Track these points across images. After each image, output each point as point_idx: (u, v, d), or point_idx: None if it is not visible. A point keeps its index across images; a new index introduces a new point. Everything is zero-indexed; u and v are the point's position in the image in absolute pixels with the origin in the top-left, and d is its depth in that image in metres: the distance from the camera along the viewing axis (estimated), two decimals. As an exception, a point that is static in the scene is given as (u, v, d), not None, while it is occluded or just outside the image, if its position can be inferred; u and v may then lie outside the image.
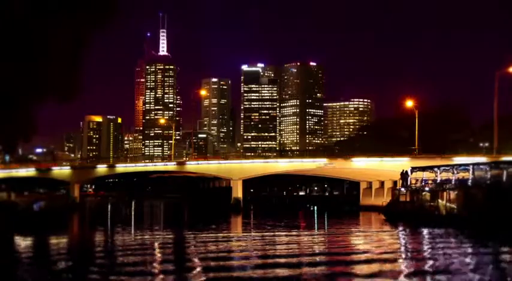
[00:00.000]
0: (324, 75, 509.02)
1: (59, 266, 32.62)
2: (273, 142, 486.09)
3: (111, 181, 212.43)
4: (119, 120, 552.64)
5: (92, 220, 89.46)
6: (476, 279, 28.37)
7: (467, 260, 35.26)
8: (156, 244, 45.76)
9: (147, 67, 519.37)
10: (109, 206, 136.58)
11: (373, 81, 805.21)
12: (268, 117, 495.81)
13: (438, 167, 75.82)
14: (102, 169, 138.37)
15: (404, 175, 79.32)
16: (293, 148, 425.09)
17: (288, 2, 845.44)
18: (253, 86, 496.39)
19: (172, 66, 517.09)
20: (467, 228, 57.42)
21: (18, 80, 46.04)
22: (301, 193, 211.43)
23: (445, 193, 70.09)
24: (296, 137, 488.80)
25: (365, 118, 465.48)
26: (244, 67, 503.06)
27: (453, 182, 70.60)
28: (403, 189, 78.84)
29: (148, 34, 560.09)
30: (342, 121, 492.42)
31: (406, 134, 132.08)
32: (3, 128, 53.65)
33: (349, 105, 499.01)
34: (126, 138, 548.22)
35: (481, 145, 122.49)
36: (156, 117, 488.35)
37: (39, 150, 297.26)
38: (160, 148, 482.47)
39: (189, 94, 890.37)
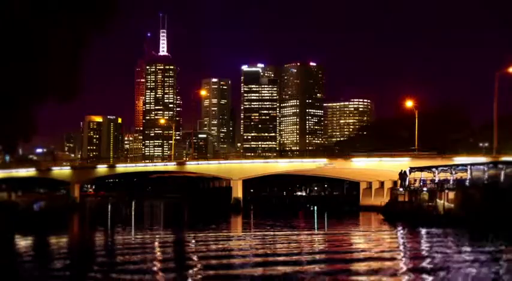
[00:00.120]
0: (324, 75, 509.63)
1: (59, 265, 32.66)
2: (273, 142, 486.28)
3: (111, 181, 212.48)
4: (119, 120, 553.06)
5: (92, 220, 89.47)
6: (471, 276, 28.59)
7: (464, 258, 35.42)
8: (156, 244, 45.86)
9: (147, 67, 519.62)
10: (109, 206, 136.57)
11: (373, 81, 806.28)
12: (268, 117, 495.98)
13: (436, 167, 76.15)
14: (102, 169, 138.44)
15: (402, 175, 79.58)
16: (293, 148, 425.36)
17: (288, 2, 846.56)
18: (253, 86, 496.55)
19: (172, 67, 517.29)
20: (465, 228, 57.63)
21: (18, 80, 46.08)
22: (301, 193, 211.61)
23: (443, 193, 70.38)
24: (296, 137, 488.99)
25: (365, 118, 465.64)
26: (244, 67, 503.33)
27: (451, 182, 70.90)
28: (401, 189, 79.14)
29: (149, 34, 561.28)
30: (341, 121, 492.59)
31: (406, 134, 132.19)
32: (3, 128, 53.68)
33: (349, 106, 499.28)
34: (126, 138, 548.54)
35: (481, 145, 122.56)
36: (156, 117, 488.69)
37: (39, 150, 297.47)
38: (161, 148, 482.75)
39: (189, 94, 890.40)
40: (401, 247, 43.72)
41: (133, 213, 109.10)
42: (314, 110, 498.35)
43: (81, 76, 50.99)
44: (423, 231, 57.18)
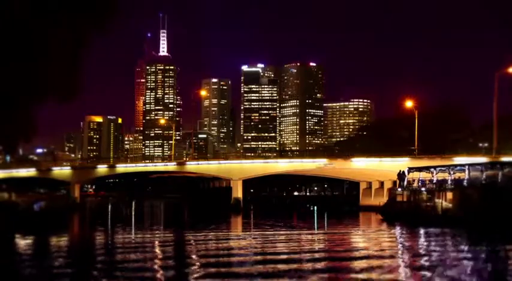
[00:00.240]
0: (323, 75, 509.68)
1: (59, 265, 32.73)
2: (273, 142, 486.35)
3: (112, 181, 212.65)
4: (119, 120, 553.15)
5: (92, 220, 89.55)
6: (465, 274, 28.92)
7: (460, 257, 35.75)
8: (156, 243, 45.98)
9: (147, 67, 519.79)
10: (109, 206, 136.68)
11: (373, 81, 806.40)
12: (268, 117, 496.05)
13: (435, 167, 76.55)
14: (102, 169, 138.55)
15: (401, 175, 79.87)
16: (293, 148, 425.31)
17: (288, 2, 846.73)
18: (253, 86, 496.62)
19: (172, 67, 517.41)
20: (463, 228, 57.89)
21: (18, 80, 46.11)
22: (301, 193, 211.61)
23: (441, 193, 70.67)
24: (296, 138, 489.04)
25: (365, 118, 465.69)
26: (244, 67, 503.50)
27: (449, 183, 71.12)
28: (399, 189, 79.43)
29: (149, 34, 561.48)
30: (341, 121, 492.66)
31: (406, 134, 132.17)
32: (4, 128, 53.70)
33: (349, 106, 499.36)
34: (126, 138, 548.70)
35: (481, 145, 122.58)
36: (156, 117, 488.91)
37: (39, 150, 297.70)
38: (161, 148, 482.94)
39: (189, 94, 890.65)
40: (398, 246, 44.02)
41: (133, 213, 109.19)
42: (314, 110, 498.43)
43: (81, 76, 50.97)
44: (421, 231, 57.47)
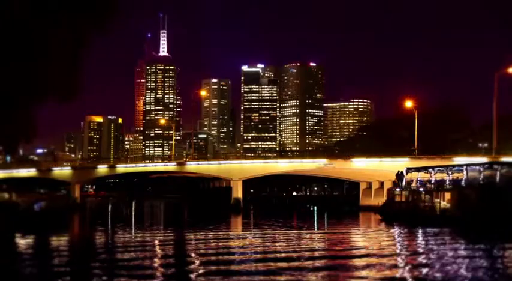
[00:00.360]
0: (323, 75, 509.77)
1: (59, 265, 32.79)
2: (273, 143, 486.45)
3: (112, 181, 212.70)
4: (120, 120, 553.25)
5: (92, 220, 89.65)
6: (459, 271, 29.28)
7: (456, 255, 36.10)
8: (156, 242, 46.08)
9: (148, 68, 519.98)
10: (109, 206, 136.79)
11: (373, 81, 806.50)
12: (268, 117, 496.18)
13: (433, 167, 76.82)
14: (102, 169, 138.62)
15: (399, 176, 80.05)
16: (293, 148, 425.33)
17: (288, 2, 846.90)
18: (253, 86, 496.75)
19: (172, 67, 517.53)
20: (461, 227, 58.03)
21: (18, 80, 46.17)
22: (301, 193, 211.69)
23: (439, 193, 70.89)
24: (296, 138, 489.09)
25: (365, 118, 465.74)
26: (244, 68, 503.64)
27: (447, 183, 71.33)
28: (398, 189, 79.61)
29: (149, 35, 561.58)
30: (341, 121, 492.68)
31: (406, 134, 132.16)
32: (4, 128, 53.76)
33: (349, 106, 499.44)
34: (126, 138, 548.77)
35: (481, 145, 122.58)
36: (156, 117, 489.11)
37: (39, 150, 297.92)
38: (161, 148, 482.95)
39: (189, 95, 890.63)
40: (396, 245, 44.24)
41: (133, 213, 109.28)
42: (314, 111, 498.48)
43: (81, 76, 51.03)
44: (419, 230, 57.72)
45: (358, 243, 47.18)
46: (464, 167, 70.66)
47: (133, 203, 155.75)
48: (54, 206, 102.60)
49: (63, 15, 44.31)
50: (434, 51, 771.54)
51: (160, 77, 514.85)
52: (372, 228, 66.27)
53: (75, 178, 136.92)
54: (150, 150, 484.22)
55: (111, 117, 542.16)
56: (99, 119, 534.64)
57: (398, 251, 40.11)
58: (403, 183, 78.87)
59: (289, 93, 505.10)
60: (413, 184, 77.42)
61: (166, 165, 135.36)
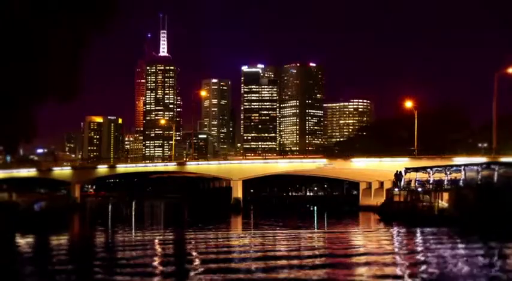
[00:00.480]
0: (323, 76, 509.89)
1: (59, 264, 32.86)
2: (273, 143, 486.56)
3: (112, 181, 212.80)
4: (120, 120, 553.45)
5: (92, 220, 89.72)
6: (454, 269, 29.61)
7: (452, 254, 36.44)
8: (156, 242, 46.18)
9: (148, 68, 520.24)
10: (110, 206, 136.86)
11: (373, 81, 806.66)
12: (268, 117, 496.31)
13: (431, 167, 77.11)
14: (102, 169, 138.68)
15: (398, 176, 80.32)
16: (293, 149, 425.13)
17: (288, 2, 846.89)
18: (253, 86, 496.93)
19: (172, 67, 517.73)
20: (459, 227, 58.21)
21: (19, 80, 46.23)
22: (301, 193, 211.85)
23: (438, 193, 71.12)
24: (296, 138, 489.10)
25: (364, 119, 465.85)
26: (244, 68, 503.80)
27: (445, 183, 71.50)
28: (396, 189, 79.78)
29: (149, 35, 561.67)
30: (341, 122, 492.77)
31: (406, 135, 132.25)
32: (4, 128, 53.82)
33: (349, 106, 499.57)
34: (126, 138, 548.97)
35: (480, 145, 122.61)
36: (156, 118, 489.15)
37: (40, 150, 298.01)
38: (161, 149, 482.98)
39: (190, 95, 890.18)
40: (394, 244, 44.46)
41: (133, 213, 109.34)
42: (314, 111, 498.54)
43: (81, 76, 51.11)
44: (417, 230, 57.95)
45: (357, 242, 47.32)
46: (462, 167, 71.01)
47: (134, 203, 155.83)
48: (55, 206, 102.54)
49: (63, 15, 44.38)
50: (434, 51, 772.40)
51: (161, 77, 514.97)
52: (370, 228, 66.48)
53: (75, 178, 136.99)
54: (150, 150, 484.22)
55: (111, 118, 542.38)
56: (99, 119, 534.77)
57: (396, 250, 40.29)
58: (402, 183, 79.09)
59: (289, 93, 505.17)
60: (412, 184, 77.59)
61: (167, 165, 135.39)
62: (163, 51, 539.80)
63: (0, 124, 52.52)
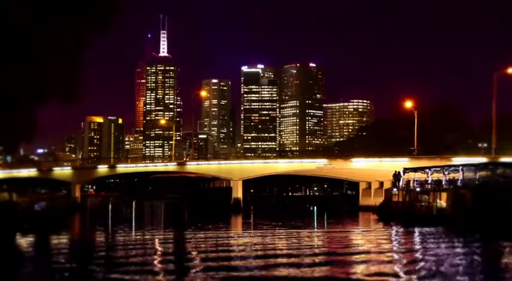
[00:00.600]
0: (323, 76, 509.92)
1: (59, 264, 33.00)
2: (273, 143, 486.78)
3: (112, 181, 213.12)
4: (120, 121, 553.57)
5: (92, 220, 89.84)
6: (451, 267, 29.86)
7: (449, 253, 36.75)
8: (156, 241, 46.30)
9: (148, 68, 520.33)
10: (110, 206, 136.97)
11: (373, 81, 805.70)
12: (268, 118, 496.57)
13: (429, 168, 77.39)
14: (103, 169, 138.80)
15: (396, 176, 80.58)
16: (293, 149, 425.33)
17: (288, 2, 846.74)
18: (253, 87, 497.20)
19: (172, 68, 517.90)
20: (457, 227, 58.39)
21: (19, 81, 46.33)
22: (301, 193, 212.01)
23: (436, 194, 71.39)
24: (296, 138, 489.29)
25: (364, 119, 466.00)
26: (244, 68, 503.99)
27: (444, 183, 71.71)
28: (395, 189, 80.00)
29: (149, 35, 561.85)
30: (341, 122, 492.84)
31: (406, 135, 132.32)
32: (4, 128, 53.93)
33: (349, 106, 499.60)
34: (126, 139, 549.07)
35: (480, 145, 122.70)
36: (156, 118, 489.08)
37: (40, 150, 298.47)
38: (161, 149, 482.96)
39: (190, 95, 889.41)
40: (392, 243, 44.67)
41: (133, 213, 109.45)
42: (314, 111, 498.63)
43: (82, 76, 51.14)
44: (415, 230, 58.23)
45: (355, 241, 47.53)
46: (461, 167, 71.26)
47: (134, 203, 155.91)
48: (55, 206, 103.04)
49: (63, 15, 44.49)
50: (434, 51, 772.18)
51: (161, 77, 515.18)
52: (369, 227, 66.70)
53: (76, 178, 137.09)
54: (150, 150, 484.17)
55: (112, 118, 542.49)
56: (99, 120, 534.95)
57: (393, 248, 40.55)
58: (400, 183, 79.34)
59: (289, 93, 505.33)
60: (411, 184, 77.84)
61: (167, 165, 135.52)
62: (163, 51, 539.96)
63: (0, 124, 52.61)
